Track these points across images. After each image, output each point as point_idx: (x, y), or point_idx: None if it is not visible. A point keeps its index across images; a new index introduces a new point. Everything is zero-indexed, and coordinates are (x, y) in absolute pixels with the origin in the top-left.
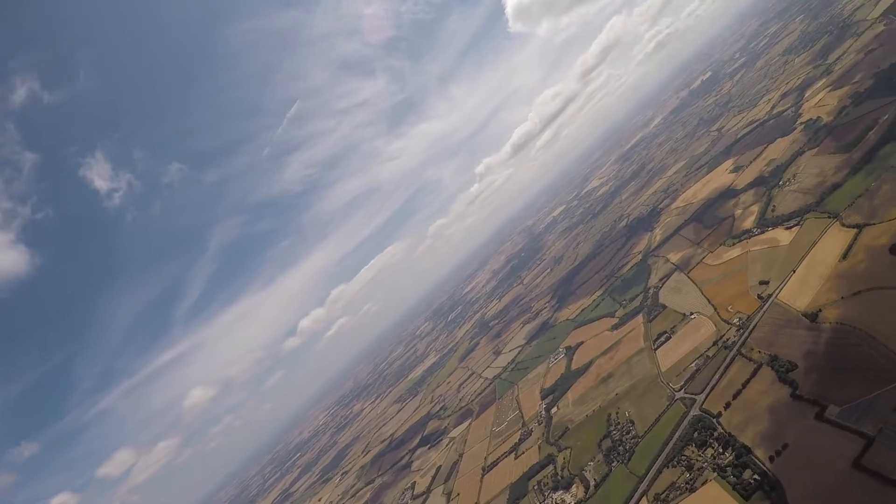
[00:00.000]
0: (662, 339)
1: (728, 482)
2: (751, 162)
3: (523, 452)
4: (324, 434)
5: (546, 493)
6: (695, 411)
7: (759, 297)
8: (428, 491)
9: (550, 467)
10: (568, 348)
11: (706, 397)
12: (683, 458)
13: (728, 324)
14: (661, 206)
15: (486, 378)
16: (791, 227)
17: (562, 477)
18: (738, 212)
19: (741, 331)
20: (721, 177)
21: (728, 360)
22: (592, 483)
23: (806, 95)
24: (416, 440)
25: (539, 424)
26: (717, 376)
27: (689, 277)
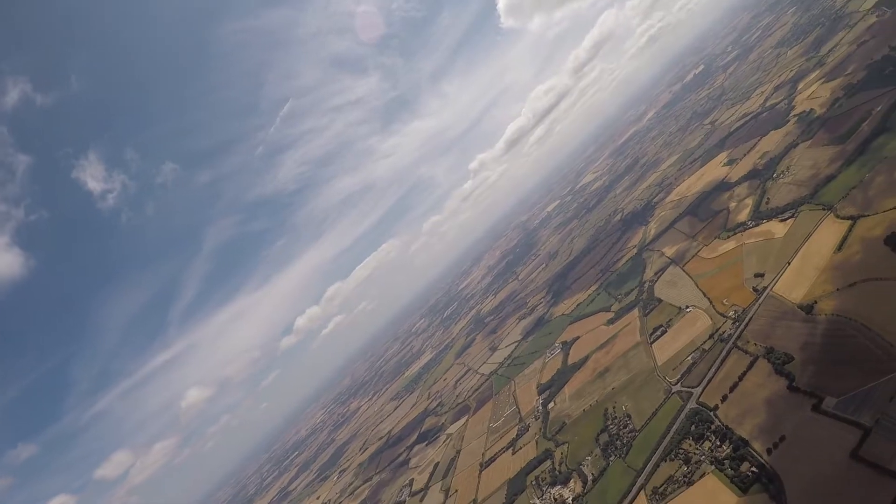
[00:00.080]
0: (658, 332)
1: (726, 475)
2: (744, 155)
3: (521, 448)
4: (321, 432)
5: (544, 488)
6: (692, 404)
7: (755, 289)
8: (426, 487)
9: (548, 462)
10: (564, 343)
11: (703, 390)
12: (681, 451)
13: (724, 317)
14: (655, 200)
15: (483, 374)
16: (786, 220)
17: (560, 472)
18: (733, 205)
19: (737, 323)
20: (715, 170)
21: (724, 353)
22: (590, 477)
23: (799, 88)
24: (414, 437)
25: (536, 420)
26: (713, 369)
27: (684, 271)
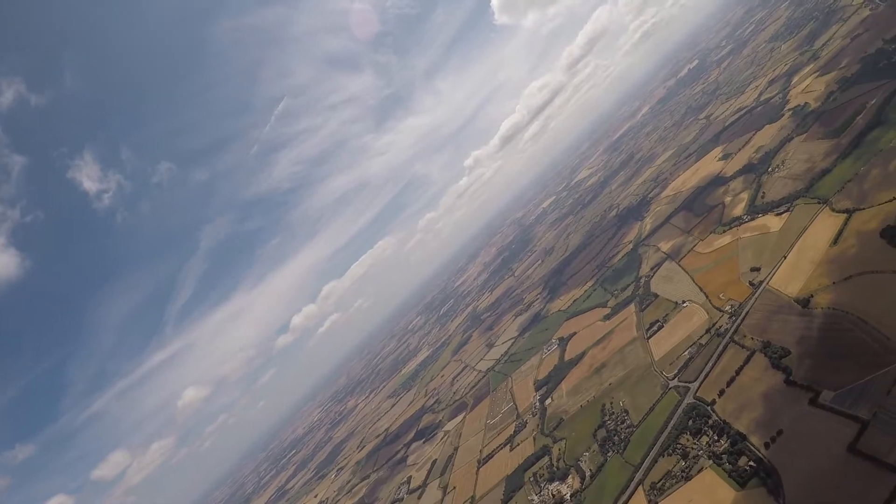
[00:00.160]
0: (655, 327)
1: (724, 469)
2: (739, 149)
3: (518, 444)
4: (318, 430)
5: (542, 485)
6: (689, 399)
7: (751, 283)
8: (424, 485)
9: (546, 459)
10: (561, 339)
11: (700, 385)
12: (679, 446)
13: (720, 311)
14: (650, 195)
15: (480, 371)
16: (781, 214)
17: (557, 468)
18: (728, 199)
19: (733, 318)
20: (710, 165)
21: (721, 347)
22: (588, 473)
23: (793, 81)
24: (411, 434)
25: (533, 416)
26: (710, 364)
27: (680, 266)
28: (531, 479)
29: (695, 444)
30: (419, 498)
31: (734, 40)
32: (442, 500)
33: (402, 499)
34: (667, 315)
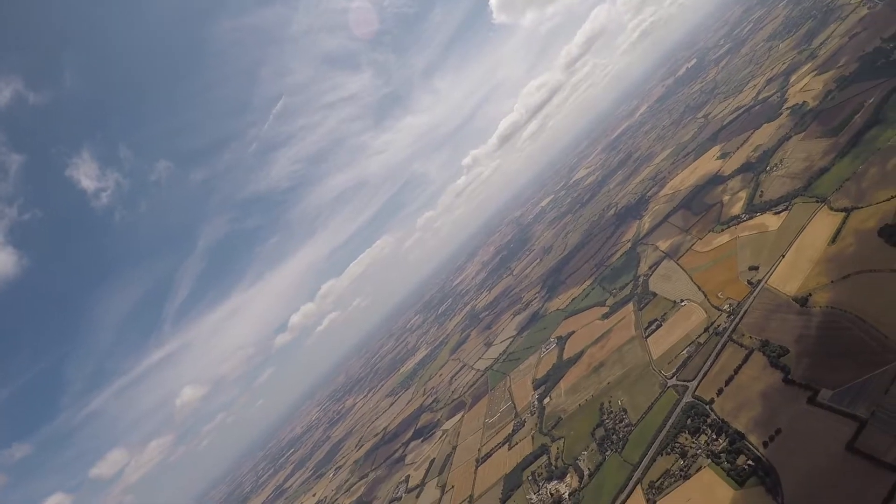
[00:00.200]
0: (653, 326)
1: (722, 468)
2: (737, 148)
3: (517, 443)
4: (316, 429)
5: (540, 484)
6: (687, 398)
7: (749, 282)
8: (422, 484)
9: (544, 457)
10: (559, 338)
11: (698, 384)
12: (677, 445)
13: (718, 310)
14: (648, 194)
15: (478, 370)
16: (779, 213)
17: (556, 467)
18: (726, 198)
19: (732, 317)
20: (708, 163)
21: (719, 346)
22: (586, 472)
23: (791, 80)
24: (410, 433)
25: (532, 415)
26: (708, 363)
27: (678, 265)
28: (529, 478)
29: (693, 442)
30: (417, 497)
31: (732, 39)
32: (440, 499)
33: (401, 498)
34: (665, 314)
